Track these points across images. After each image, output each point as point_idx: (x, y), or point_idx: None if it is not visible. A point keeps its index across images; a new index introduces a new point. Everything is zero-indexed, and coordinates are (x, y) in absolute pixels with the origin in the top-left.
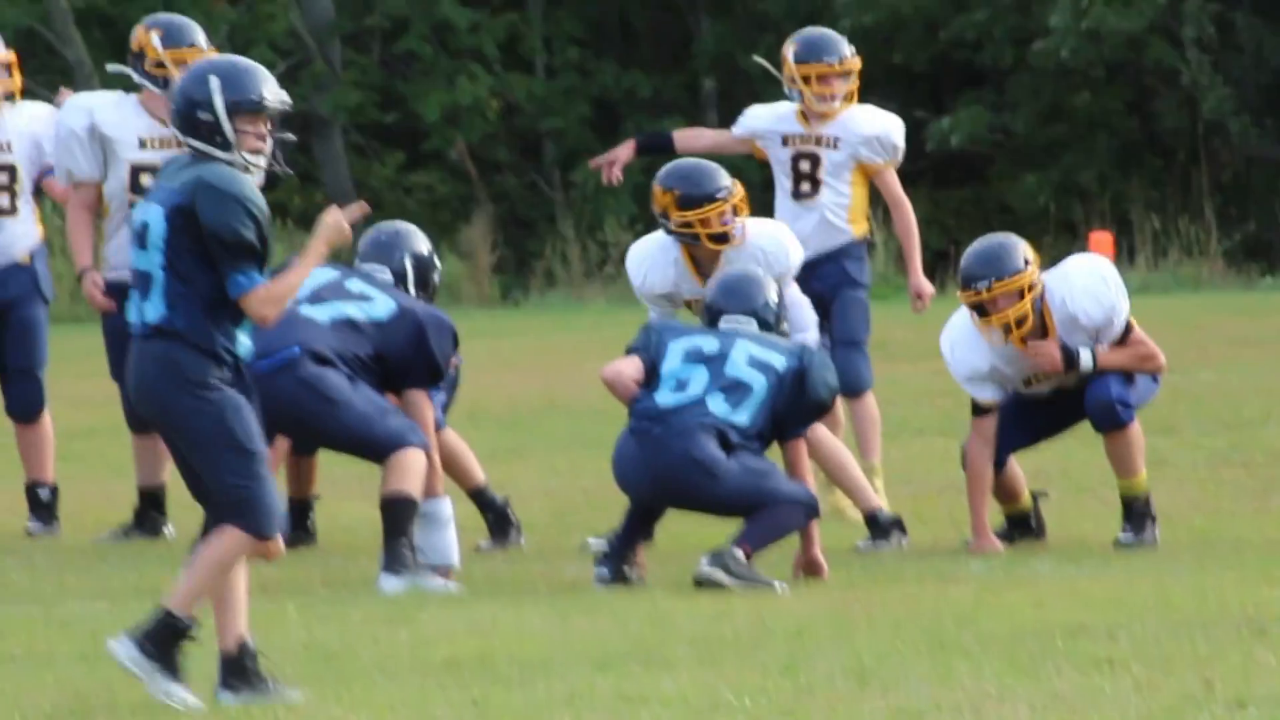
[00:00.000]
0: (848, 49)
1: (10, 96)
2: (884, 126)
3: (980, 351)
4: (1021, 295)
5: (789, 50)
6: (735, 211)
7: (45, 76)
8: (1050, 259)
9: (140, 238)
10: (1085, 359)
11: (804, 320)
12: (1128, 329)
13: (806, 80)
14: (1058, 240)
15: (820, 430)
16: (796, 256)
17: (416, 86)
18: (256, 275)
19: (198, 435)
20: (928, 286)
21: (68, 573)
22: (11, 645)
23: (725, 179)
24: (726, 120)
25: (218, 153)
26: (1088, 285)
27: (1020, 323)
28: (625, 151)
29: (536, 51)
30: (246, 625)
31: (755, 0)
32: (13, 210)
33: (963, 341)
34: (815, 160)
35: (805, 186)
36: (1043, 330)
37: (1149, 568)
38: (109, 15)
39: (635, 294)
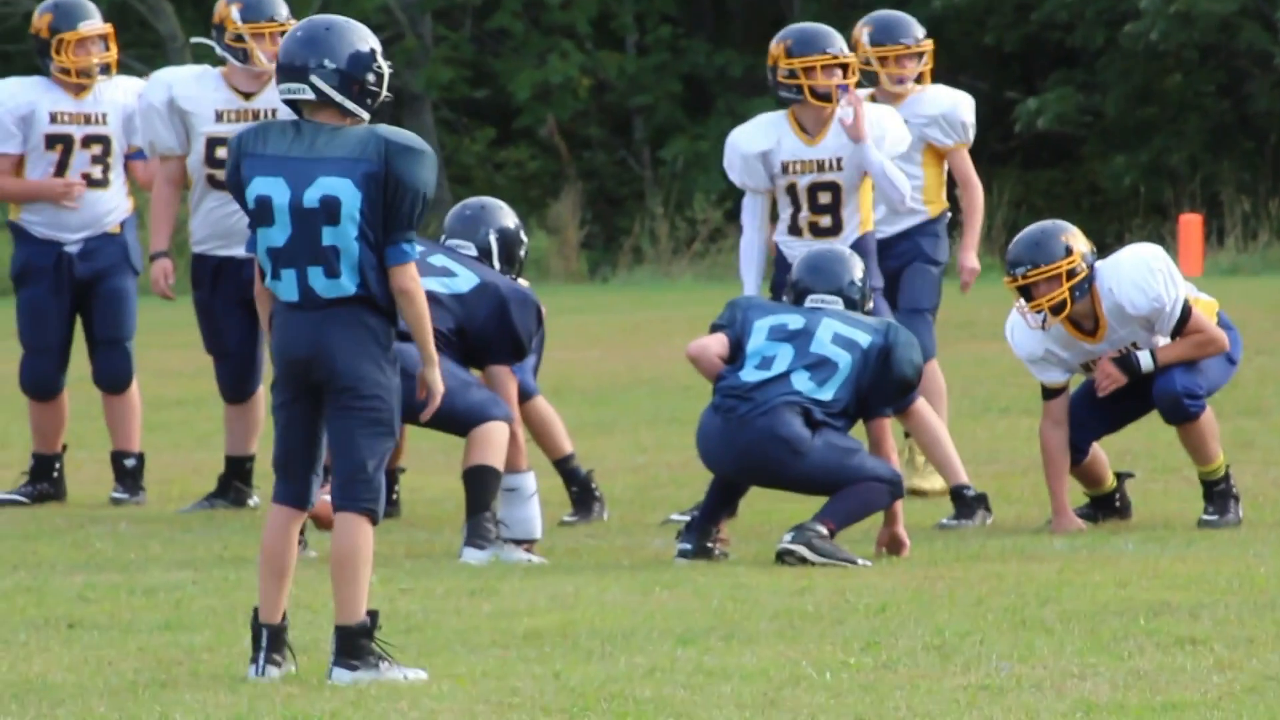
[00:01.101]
0: (920, 31)
1: (106, 69)
2: (950, 105)
3: (1034, 336)
4: (1060, 282)
5: (863, 33)
6: (845, 74)
7: (138, 50)
8: (1140, 240)
9: (323, 214)
10: (1145, 362)
11: (895, 192)
12: (1186, 315)
13: (883, 61)
14: (1147, 222)
15: (920, 402)
16: (906, 136)
17: (508, 63)
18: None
19: (370, 407)
20: (973, 263)
21: (152, 541)
22: (96, 613)
23: (840, 43)
24: None
25: (363, 113)
26: (1135, 275)
27: (1058, 309)
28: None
29: (628, 29)
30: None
31: None
32: (105, 182)
33: (1020, 326)
34: None
35: None
36: (1093, 319)
37: (1233, 548)
38: None
39: (728, 166)
